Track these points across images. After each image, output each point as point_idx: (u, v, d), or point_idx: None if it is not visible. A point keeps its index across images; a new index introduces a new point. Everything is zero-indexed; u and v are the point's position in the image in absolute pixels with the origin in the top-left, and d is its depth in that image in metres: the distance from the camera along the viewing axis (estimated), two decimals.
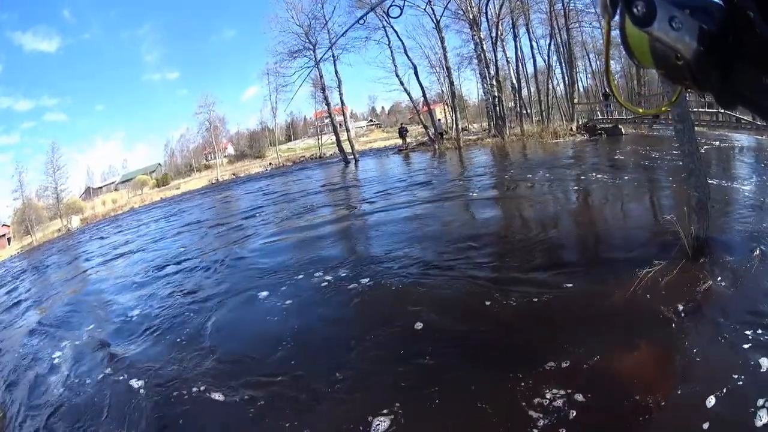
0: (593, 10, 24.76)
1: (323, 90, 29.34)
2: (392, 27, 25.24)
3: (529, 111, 27.42)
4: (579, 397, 2.95)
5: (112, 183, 44.38)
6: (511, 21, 25.25)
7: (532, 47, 27.25)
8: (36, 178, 38.20)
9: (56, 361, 5.55)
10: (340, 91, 28.61)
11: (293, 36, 28.57)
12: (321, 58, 27.17)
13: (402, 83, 26.93)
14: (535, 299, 4.53)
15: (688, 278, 4.16)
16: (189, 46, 55.18)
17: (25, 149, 50.50)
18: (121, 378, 4.54)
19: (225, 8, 58.51)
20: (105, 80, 53.17)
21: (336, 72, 28.00)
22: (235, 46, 55.08)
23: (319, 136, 41.73)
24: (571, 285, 4.63)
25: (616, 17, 0.62)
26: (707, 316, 3.60)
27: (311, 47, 28.20)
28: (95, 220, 34.05)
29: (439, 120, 30.71)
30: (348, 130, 29.99)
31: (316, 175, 24.15)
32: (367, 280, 5.73)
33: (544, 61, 26.99)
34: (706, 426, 2.53)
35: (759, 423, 2.47)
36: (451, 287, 5.14)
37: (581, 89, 28.92)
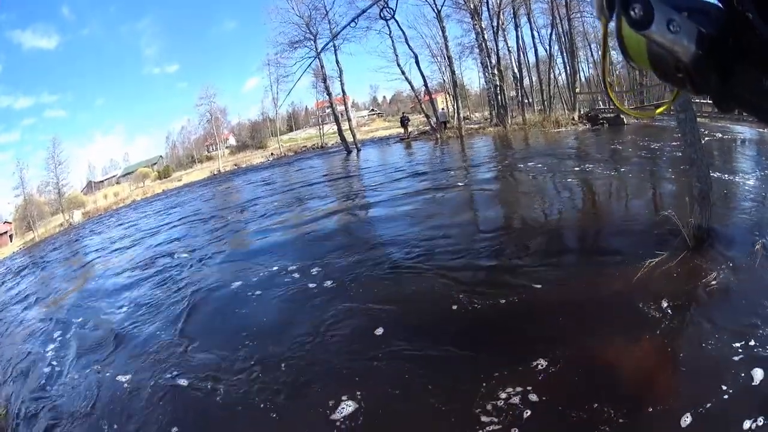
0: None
1: (324, 80, 29.23)
2: (393, 17, 25.07)
3: (530, 100, 27.33)
4: (563, 390, 3.02)
5: (114, 176, 44.31)
6: (512, 10, 25.09)
7: (533, 37, 27.03)
8: (37, 174, 38.21)
9: (50, 358, 5.72)
10: (341, 80, 28.54)
11: (294, 27, 28.44)
12: (322, 49, 27.07)
13: (403, 72, 26.81)
14: (532, 289, 4.60)
15: (688, 270, 4.19)
16: (189, 39, 54.69)
17: (25, 146, 50.45)
18: (105, 373, 4.78)
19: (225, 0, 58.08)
20: (105, 75, 52.98)
21: (337, 62, 27.90)
22: (235, 38, 54.61)
23: (321, 126, 41.52)
24: (568, 275, 4.74)
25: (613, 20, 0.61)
26: (707, 310, 3.60)
27: (312, 38, 28.09)
28: (97, 214, 34.06)
29: (443, 109, 30.55)
30: (349, 120, 29.93)
31: (317, 165, 24.15)
32: (352, 275, 5.82)
33: (546, 51, 26.90)
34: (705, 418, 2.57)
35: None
36: (446, 278, 5.23)
37: (583, 79, 28.84)
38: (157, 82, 49.50)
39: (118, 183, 43.30)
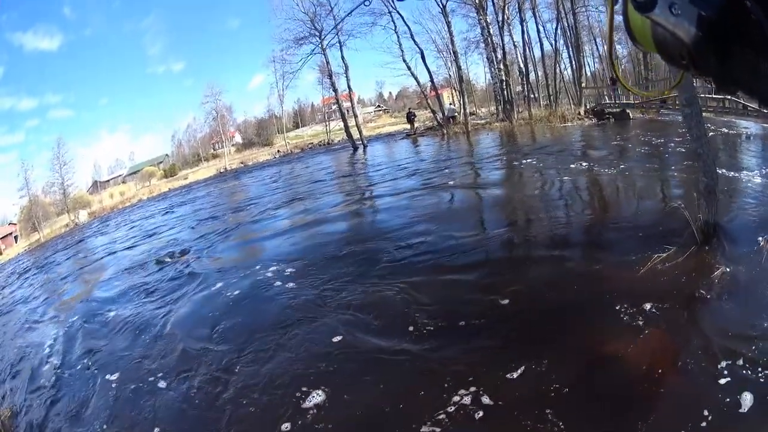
0: None
1: (330, 76, 29.23)
2: (398, 12, 25.13)
3: (536, 95, 27.31)
4: (568, 382, 3.03)
5: (120, 176, 44.43)
6: (517, 5, 25.07)
7: (538, 31, 26.95)
8: (42, 174, 38.19)
9: (44, 360, 5.88)
10: (347, 76, 28.49)
11: (299, 23, 28.46)
12: (326, 40, 27.01)
13: (409, 68, 26.91)
14: (540, 281, 4.63)
15: (698, 265, 4.14)
16: (193, 36, 54.68)
17: (29, 147, 50.44)
18: (94, 371, 4.99)
19: None
20: (109, 74, 52.66)
21: (342, 58, 27.86)
22: (240, 35, 54.56)
23: (327, 123, 41.55)
24: (575, 270, 4.73)
25: (619, 3, 0.67)
26: (717, 306, 3.57)
27: (317, 33, 28.12)
28: (103, 214, 34.13)
29: (451, 104, 30.48)
30: (356, 116, 30.06)
31: (324, 163, 24.21)
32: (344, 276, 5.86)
33: (551, 45, 26.75)
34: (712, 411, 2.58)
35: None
36: (449, 273, 5.30)
37: (588, 73, 28.72)
38: (163, 81, 49.51)
39: (124, 182, 43.41)
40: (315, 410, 3.33)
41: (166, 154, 45.55)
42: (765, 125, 10.79)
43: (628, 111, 17.98)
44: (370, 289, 5.26)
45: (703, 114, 6.33)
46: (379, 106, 47.75)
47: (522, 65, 26.48)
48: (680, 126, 9.87)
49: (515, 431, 2.79)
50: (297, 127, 46.51)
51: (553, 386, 3.04)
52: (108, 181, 43.82)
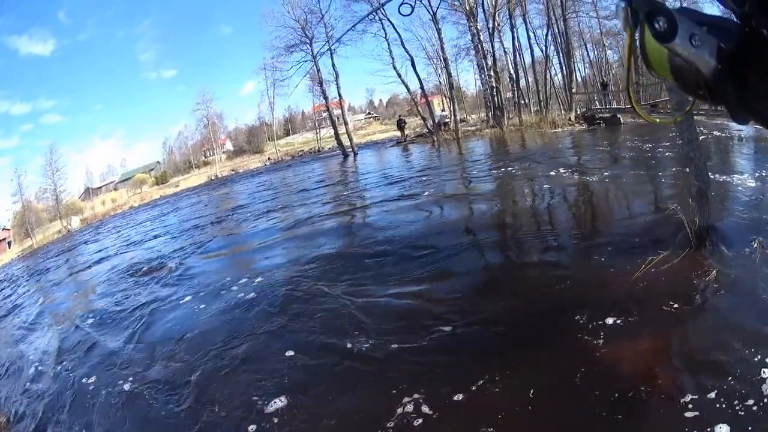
0: (590, 0, 24.68)
1: (320, 84, 29.27)
2: (389, 19, 25.11)
3: (527, 101, 27.32)
4: (561, 387, 2.98)
5: (112, 183, 44.40)
6: (507, 11, 25.10)
7: (529, 38, 27.09)
8: (35, 180, 38.30)
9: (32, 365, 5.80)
10: (337, 84, 28.52)
11: (290, 30, 28.52)
12: (318, 53, 27.12)
13: (399, 75, 26.86)
14: (532, 285, 4.60)
15: (693, 268, 4.14)
16: (186, 43, 55.10)
17: (23, 151, 50.48)
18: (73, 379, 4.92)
19: (221, 4, 58.28)
20: (102, 80, 53.33)
21: (333, 65, 27.90)
22: (232, 42, 54.97)
23: (318, 130, 41.57)
24: (569, 274, 4.65)
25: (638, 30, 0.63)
26: (711, 308, 3.56)
27: (308, 41, 28.13)
28: (95, 220, 34.09)
29: (443, 111, 30.45)
30: (346, 124, 30.03)
31: (314, 170, 24.09)
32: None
33: (542, 51, 26.86)
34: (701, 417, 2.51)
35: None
36: (443, 280, 5.17)
37: (579, 79, 28.91)
38: (155, 87, 49.83)
39: (115, 189, 43.39)
40: (277, 416, 3.34)
41: (158, 162, 45.58)
42: (756, 127, 10.74)
43: (619, 116, 17.95)
44: (349, 299, 5.08)
45: (695, 117, 6.30)
46: (369, 113, 47.91)
47: (512, 71, 26.53)
48: (671, 130, 9.83)
49: None
50: (288, 134, 46.57)
51: (540, 392, 2.97)
52: (100, 187, 43.88)
